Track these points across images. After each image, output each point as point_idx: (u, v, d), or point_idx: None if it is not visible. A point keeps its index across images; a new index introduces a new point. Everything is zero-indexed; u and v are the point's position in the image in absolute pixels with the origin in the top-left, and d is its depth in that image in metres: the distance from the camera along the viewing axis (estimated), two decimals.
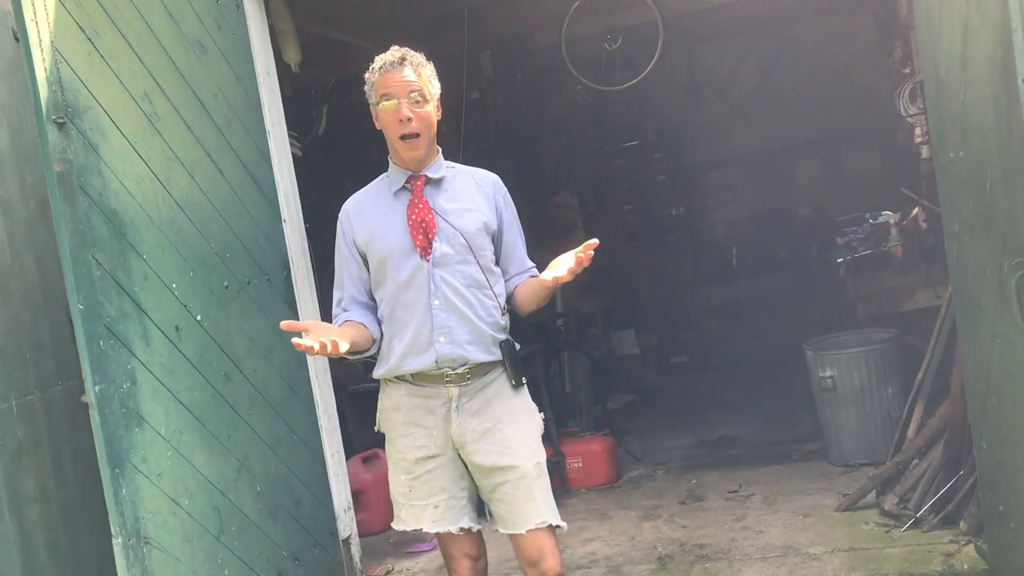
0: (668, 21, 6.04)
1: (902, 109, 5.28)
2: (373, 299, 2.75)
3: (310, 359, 3.94)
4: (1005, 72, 2.25)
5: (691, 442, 5.90)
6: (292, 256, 3.95)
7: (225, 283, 3.45)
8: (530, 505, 2.65)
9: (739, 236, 8.85)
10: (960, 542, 3.61)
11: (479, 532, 2.77)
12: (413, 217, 2.65)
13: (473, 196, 2.72)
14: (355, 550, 4.17)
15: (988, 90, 2.45)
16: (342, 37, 5.48)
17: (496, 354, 2.67)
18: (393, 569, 4.41)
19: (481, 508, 2.80)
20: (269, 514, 3.50)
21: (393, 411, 2.73)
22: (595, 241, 2.42)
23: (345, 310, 2.74)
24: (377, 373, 2.75)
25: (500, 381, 2.70)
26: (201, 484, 3.17)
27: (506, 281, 2.78)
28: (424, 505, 2.70)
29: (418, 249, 2.62)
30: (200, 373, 3.24)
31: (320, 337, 2.39)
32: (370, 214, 2.72)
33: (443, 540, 2.76)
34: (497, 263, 2.76)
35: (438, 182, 2.70)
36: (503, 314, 2.72)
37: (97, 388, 2.82)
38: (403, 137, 2.60)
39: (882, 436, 4.65)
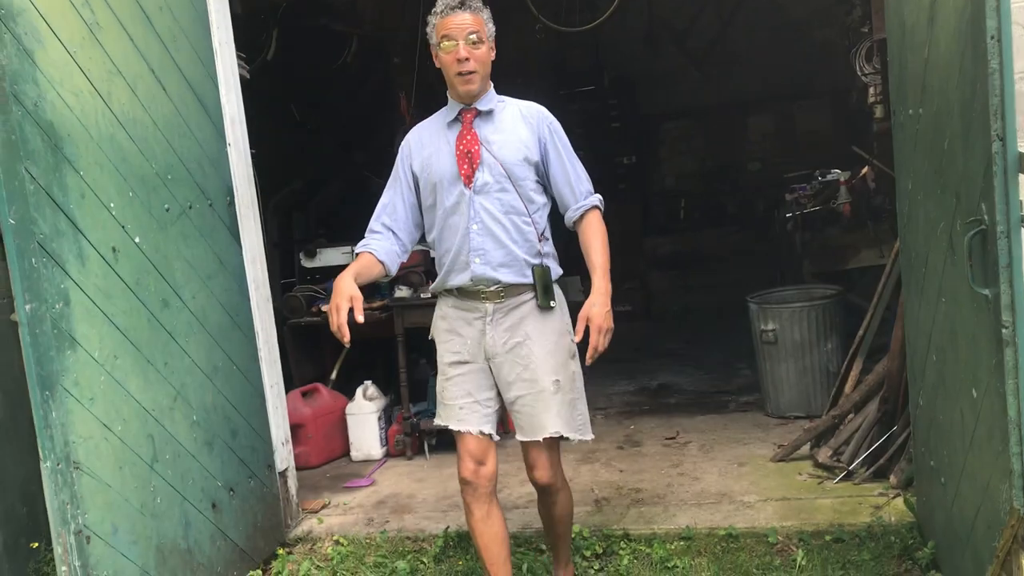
0: None
1: (858, 68, 5.29)
2: (406, 226, 3.02)
3: (251, 289, 3.86)
4: (974, 28, 2.22)
5: (631, 389, 5.95)
6: (236, 182, 3.83)
7: (166, 206, 3.33)
8: (545, 416, 2.91)
9: (689, 188, 8.86)
10: (889, 495, 3.70)
11: (492, 444, 2.96)
12: (461, 147, 2.91)
13: (517, 127, 2.94)
14: (291, 483, 4.14)
15: (954, 47, 2.43)
16: None
17: (529, 277, 2.91)
18: (329, 503, 4.38)
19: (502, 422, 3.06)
20: (205, 443, 3.44)
21: (440, 320, 3.05)
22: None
23: (373, 231, 3.01)
24: (431, 289, 3.14)
25: (533, 302, 2.94)
26: (135, 410, 3.08)
27: (567, 214, 3.01)
28: (451, 405, 2.97)
29: (462, 177, 2.89)
30: (137, 297, 3.13)
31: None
32: (427, 143, 2.99)
33: (459, 440, 2.97)
34: (547, 192, 3.01)
35: (488, 114, 2.95)
36: (541, 240, 2.94)
37: (28, 307, 2.70)
38: (460, 73, 2.86)
39: (819, 390, 4.74)
